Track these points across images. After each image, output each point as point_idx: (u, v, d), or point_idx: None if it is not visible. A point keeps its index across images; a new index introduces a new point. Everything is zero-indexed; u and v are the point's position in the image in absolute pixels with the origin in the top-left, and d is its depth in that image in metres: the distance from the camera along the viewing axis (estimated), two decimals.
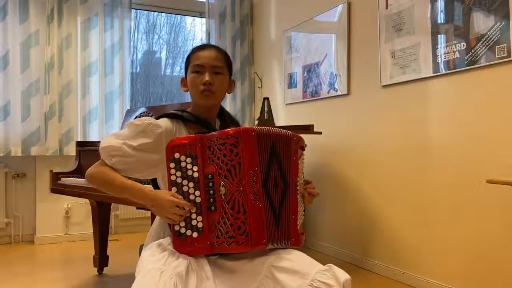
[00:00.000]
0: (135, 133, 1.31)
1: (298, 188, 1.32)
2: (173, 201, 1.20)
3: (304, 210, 1.36)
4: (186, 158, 1.23)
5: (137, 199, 1.28)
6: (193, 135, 1.26)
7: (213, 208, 1.21)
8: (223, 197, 1.20)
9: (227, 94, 1.47)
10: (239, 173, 1.20)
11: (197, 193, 1.22)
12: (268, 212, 1.23)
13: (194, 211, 1.21)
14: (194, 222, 1.21)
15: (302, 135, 1.39)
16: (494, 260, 2.20)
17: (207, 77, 1.35)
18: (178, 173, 1.23)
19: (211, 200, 1.21)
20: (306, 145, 1.38)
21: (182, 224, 1.21)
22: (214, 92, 1.37)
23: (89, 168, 1.34)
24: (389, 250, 2.82)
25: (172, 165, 1.22)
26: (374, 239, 2.95)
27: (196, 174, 1.23)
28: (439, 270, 2.48)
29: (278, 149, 1.28)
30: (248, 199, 1.19)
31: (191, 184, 1.22)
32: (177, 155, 1.22)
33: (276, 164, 1.27)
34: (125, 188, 1.29)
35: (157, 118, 1.37)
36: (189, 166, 1.23)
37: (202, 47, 1.42)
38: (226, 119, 1.49)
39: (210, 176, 1.21)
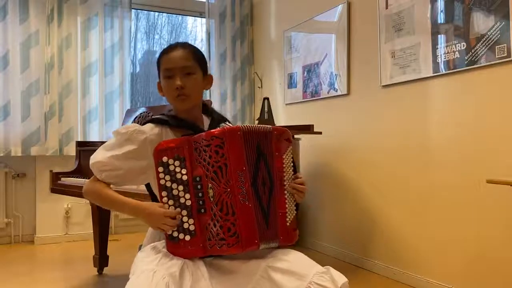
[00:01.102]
0: (120, 141, 1.32)
1: (285, 184, 1.30)
2: (164, 213, 1.21)
3: (296, 206, 1.34)
4: (174, 162, 1.21)
5: (128, 214, 1.33)
6: (180, 138, 1.25)
7: (202, 210, 1.20)
8: (211, 199, 1.19)
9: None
10: (225, 174, 1.18)
11: (187, 196, 1.21)
12: (258, 211, 1.22)
13: (185, 214, 1.21)
14: (186, 225, 1.20)
15: (302, 135, 1.37)
16: (494, 260, 2.19)
17: (178, 81, 1.30)
18: (167, 177, 1.22)
19: (201, 202, 1.21)
20: (293, 136, 1.36)
21: (174, 228, 1.21)
22: (188, 95, 1.32)
23: (85, 184, 1.37)
24: (389, 250, 2.82)
25: (160, 169, 1.22)
26: (374, 239, 2.95)
27: (185, 177, 1.21)
28: (439, 270, 2.48)
29: (263, 146, 1.26)
30: (236, 200, 1.18)
31: (180, 187, 1.22)
32: (165, 158, 1.21)
33: (263, 161, 1.26)
34: (117, 206, 1.33)
35: (143, 124, 1.37)
36: (177, 169, 1.22)
37: (168, 49, 1.35)
38: (214, 114, 1.46)
39: (198, 179, 1.21)
